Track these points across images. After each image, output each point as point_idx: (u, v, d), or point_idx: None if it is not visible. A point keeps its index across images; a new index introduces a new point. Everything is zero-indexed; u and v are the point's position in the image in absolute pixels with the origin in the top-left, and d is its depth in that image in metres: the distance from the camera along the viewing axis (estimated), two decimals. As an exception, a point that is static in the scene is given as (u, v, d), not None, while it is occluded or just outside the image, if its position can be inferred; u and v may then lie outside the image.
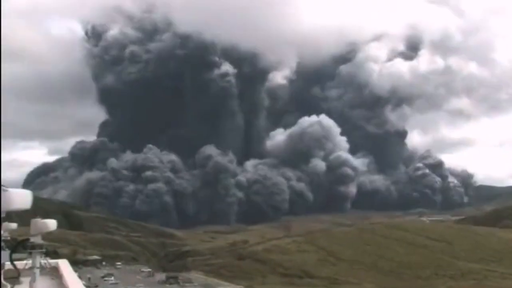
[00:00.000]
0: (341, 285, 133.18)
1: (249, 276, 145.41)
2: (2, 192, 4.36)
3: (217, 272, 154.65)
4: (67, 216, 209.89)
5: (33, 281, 10.64)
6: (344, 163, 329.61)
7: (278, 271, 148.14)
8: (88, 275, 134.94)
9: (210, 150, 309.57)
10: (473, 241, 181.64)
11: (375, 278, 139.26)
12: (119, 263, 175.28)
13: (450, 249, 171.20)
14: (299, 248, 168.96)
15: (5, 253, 4.50)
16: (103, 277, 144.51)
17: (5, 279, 4.53)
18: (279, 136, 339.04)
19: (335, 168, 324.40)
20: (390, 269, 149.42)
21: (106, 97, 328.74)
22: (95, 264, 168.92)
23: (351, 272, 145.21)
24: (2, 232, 4.39)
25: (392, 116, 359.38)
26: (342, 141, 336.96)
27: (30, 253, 10.67)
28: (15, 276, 5.20)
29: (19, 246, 7.87)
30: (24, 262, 10.55)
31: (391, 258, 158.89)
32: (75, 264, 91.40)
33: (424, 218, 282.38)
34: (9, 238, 4.44)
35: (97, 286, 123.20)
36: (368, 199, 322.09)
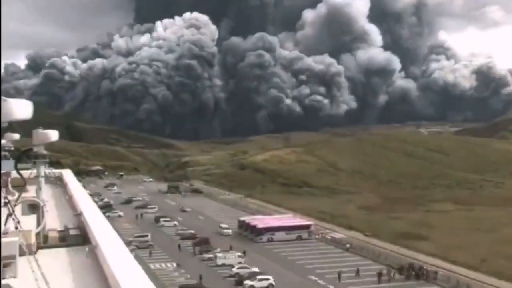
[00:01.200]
0: (340, 194, 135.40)
1: (249, 185, 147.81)
2: (2, 102, 4.34)
3: (218, 182, 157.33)
4: (69, 128, 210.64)
5: (39, 189, 10.85)
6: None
7: (277, 181, 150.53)
8: (92, 185, 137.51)
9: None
10: (470, 152, 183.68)
11: (374, 187, 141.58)
12: (121, 173, 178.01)
13: (447, 159, 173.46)
14: (298, 158, 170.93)
15: (10, 163, 4.54)
16: (106, 186, 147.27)
17: (12, 187, 4.62)
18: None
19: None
20: (388, 179, 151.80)
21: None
22: (97, 174, 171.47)
23: (350, 181, 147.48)
24: (5, 142, 4.39)
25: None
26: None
27: (34, 162, 10.82)
28: (21, 184, 5.31)
29: (23, 155, 7.95)
30: (29, 171, 10.72)
31: (389, 168, 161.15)
32: (78, 174, 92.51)
33: (422, 130, 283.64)
34: (12, 148, 4.46)
35: (100, 195, 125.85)
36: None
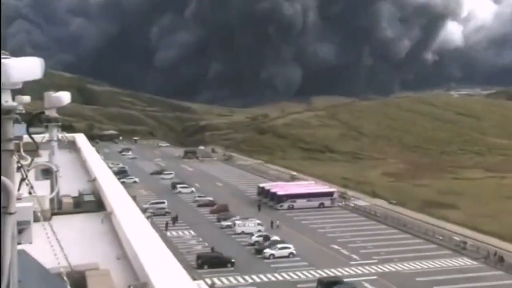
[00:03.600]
0: (364, 160, 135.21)
1: (269, 150, 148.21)
2: (10, 61, 4.39)
3: (237, 147, 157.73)
4: (81, 90, 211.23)
5: (52, 154, 11.01)
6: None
7: (298, 146, 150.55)
8: (106, 150, 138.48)
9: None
10: (502, 116, 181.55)
11: (399, 153, 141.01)
12: (136, 137, 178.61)
13: (478, 124, 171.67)
14: (320, 122, 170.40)
15: (22, 126, 4.61)
16: (120, 151, 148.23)
17: (24, 151, 4.69)
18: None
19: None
20: (414, 144, 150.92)
21: None
22: (112, 139, 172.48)
23: (374, 147, 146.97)
24: (16, 104, 4.46)
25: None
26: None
27: (47, 126, 10.95)
28: (34, 149, 5.39)
29: (35, 119, 8.03)
30: (42, 136, 10.84)
31: (416, 133, 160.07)
32: (92, 139, 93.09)
33: (452, 92, 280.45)
34: (23, 111, 4.50)
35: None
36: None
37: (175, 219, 77.51)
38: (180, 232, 73.26)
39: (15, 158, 4.54)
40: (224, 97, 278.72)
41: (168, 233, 70.77)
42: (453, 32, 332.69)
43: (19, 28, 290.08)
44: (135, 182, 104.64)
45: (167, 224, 74.23)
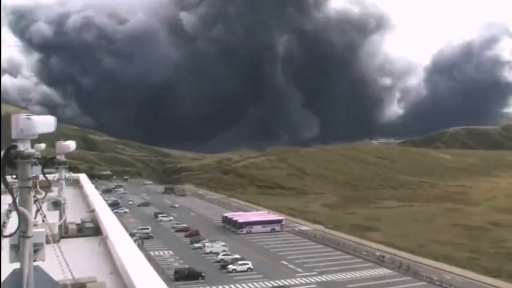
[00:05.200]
0: (306, 194, 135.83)
1: (232, 187, 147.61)
2: (31, 118, 4.57)
3: (206, 185, 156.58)
4: (85, 139, 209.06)
5: (60, 190, 10.95)
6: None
7: (255, 183, 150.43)
8: (103, 187, 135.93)
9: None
10: (411, 159, 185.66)
11: (334, 189, 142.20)
12: (126, 177, 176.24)
13: (393, 165, 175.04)
14: (272, 165, 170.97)
15: (38, 168, 4.73)
16: (114, 188, 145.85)
17: (40, 187, 4.75)
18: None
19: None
20: (346, 181, 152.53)
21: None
22: (107, 178, 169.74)
23: (315, 184, 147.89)
24: (34, 151, 4.58)
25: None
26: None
27: (57, 168, 10.91)
28: (47, 186, 5.43)
29: (48, 162, 8.01)
30: (53, 175, 10.75)
31: (347, 173, 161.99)
32: (92, 178, 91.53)
33: (374, 141, 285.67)
34: (40, 156, 4.62)
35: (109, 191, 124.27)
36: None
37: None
38: (161, 252, 71.96)
39: (32, 193, 4.60)
40: (196, 145, 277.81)
41: (151, 253, 69.43)
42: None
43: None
44: (125, 212, 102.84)
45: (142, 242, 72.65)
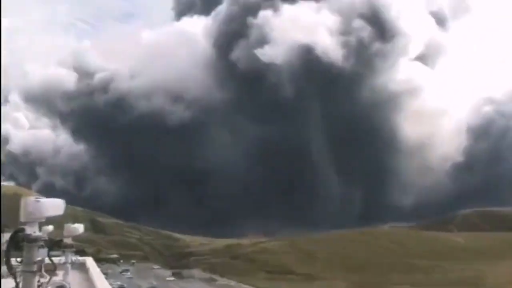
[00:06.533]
0: (316, 280, 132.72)
1: (240, 272, 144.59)
2: (39, 201, 4.61)
3: (214, 269, 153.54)
4: (92, 222, 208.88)
5: (66, 274, 10.76)
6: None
7: (264, 269, 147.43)
8: (109, 271, 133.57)
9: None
10: (421, 243, 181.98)
11: (344, 274, 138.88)
12: (133, 260, 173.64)
13: (404, 249, 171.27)
14: (282, 249, 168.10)
15: (44, 251, 4.70)
16: (121, 272, 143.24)
17: (45, 271, 4.68)
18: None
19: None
20: (355, 266, 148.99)
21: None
22: (114, 261, 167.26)
23: (324, 269, 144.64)
24: (42, 233, 4.56)
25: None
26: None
27: (63, 251, 10.77)
28: (52, 269, 5.33)
29: (55, 245, 7.94)
30: (59, 258, 10.60)
31: (356, 257, 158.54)
32: (99, 261, 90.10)
33: (385, 225, 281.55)
34: (47, 238, 4.60)
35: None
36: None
37: None
38: None
39: (36, 277, 4.52)
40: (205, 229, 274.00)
41: None
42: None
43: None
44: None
45: None
